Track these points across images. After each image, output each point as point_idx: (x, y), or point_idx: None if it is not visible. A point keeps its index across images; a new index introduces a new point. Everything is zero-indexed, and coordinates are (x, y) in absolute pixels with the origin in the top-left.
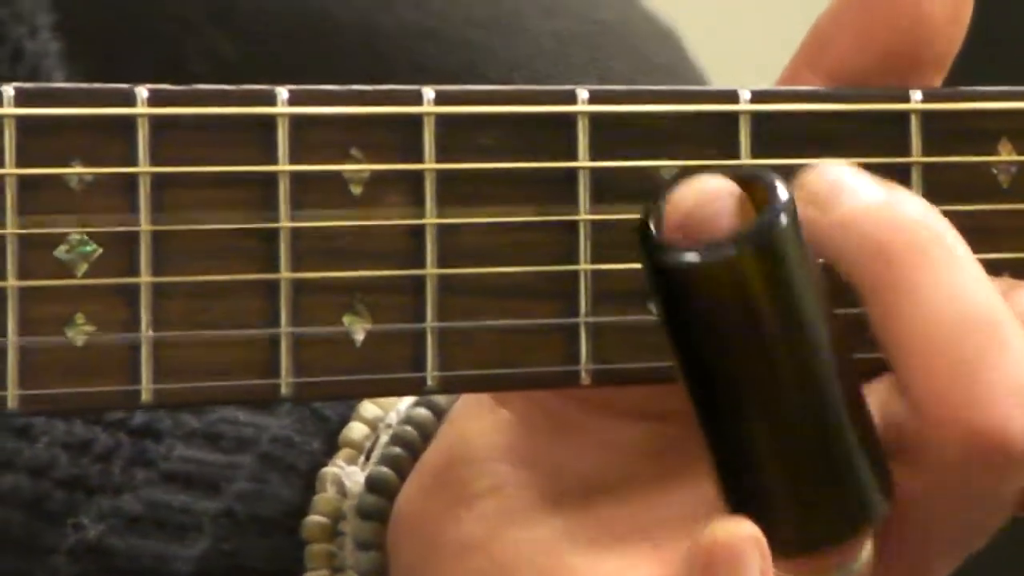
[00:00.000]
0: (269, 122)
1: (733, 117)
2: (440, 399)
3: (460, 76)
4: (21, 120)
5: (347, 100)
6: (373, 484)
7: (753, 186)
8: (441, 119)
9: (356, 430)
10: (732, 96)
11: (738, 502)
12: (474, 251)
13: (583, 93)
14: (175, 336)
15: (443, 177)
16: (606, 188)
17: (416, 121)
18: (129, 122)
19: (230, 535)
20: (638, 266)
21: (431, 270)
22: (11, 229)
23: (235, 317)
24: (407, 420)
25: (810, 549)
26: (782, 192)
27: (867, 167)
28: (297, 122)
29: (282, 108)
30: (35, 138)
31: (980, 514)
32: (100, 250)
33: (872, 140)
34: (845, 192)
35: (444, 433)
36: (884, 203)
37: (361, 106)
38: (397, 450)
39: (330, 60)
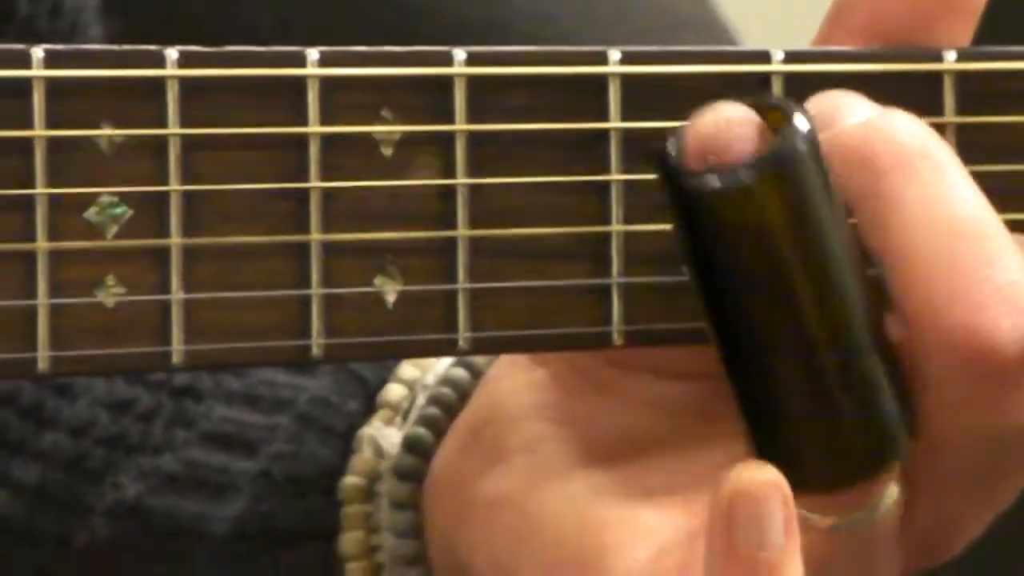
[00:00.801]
0: (299, 84)
1: (765, 78)
2: (478, 360)
3: (484, 32)
4: (50, 82)
5: (378, 61)
6: (410, 444)
7: (773, 114)
8: (472, 80)
9: (394, 391)
10: (765, 57)
11: (763, 440)
12: (505, 212)
13: (615, 54)
14: (206, 298)
15: (474, 138)
16: (638, 149)
17: (447, 82)
18: (159, 84)
19: (267, 495)
20: (670, 227)
21: (462, 231)
22: (41, 191)
23: (266, 279)
24: (444, 381)
25: (836, 485)
26: (800, 118)
27: None
28: (328, 84)
29: (312, 70)
30: (64, 100)
31: (995, 444)
32: (130, 212)
33: (906, 100)
34: (841, 111)
35: (480, 393)
36: (874, 119)
37: (392, 67)
38: (434, 411)
39: (355, 16)
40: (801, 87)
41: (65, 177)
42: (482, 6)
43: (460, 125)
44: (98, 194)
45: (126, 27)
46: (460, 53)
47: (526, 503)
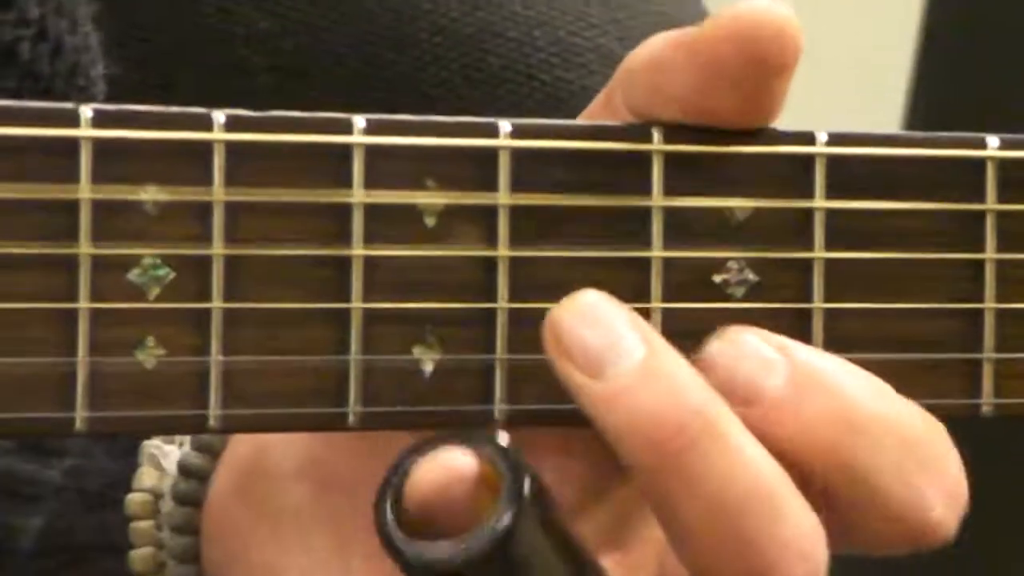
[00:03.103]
0: (345, 151)
1: (808, 159)
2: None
3: (478, 35)
4: (97, 142)
5: (423, 131)
6: (185, 469)
7: (493, 467)
8: (516, 152)
9: (135, 501)
10: (808, 138)
11: None
12: (547, 285)
13: (658, 132)
14: (245, 362)
15: (517, 210)
16: (679, 226)
17: (491, 153)
18: (205, 147)
19: (63, 511)
20: (708, 305)
21: (503, 304)
22: (85, 250)
23: (305, 345)
24: (181, 468)
25: None
26: (511, 494)
27: (941, 213)
28: (373, 152)
29: (358, 138)
30: (111, 160)
31: None
32: (173, 274)
33: (947, 186)
34: (606, 355)
35: None
36: (646, 375)
37: (437, 137)
38: (208, 437)
39: (351, 22)
40: (846, 169)
41: (109, 237)
42: (477, 10)
43: (504, 197)
44: (141, 255)
45: (133, 59)
46: (506, 125)
47: (287, 572)
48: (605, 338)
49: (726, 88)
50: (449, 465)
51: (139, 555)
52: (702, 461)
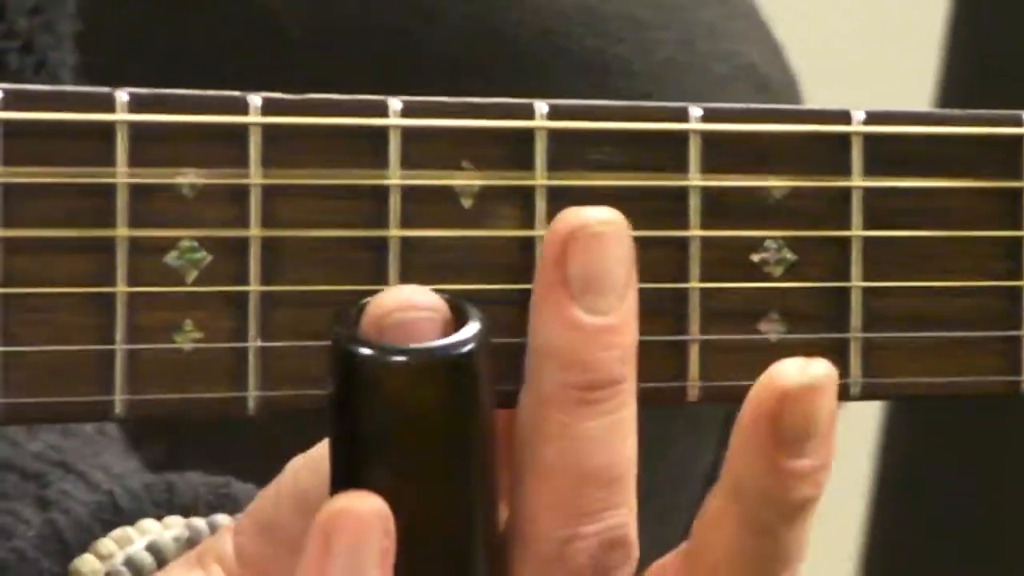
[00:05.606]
0: (381, 133)
1: (845, 138)
2: (168, 548)
3: (506, 3)
4: (133, 126)
5: (459, 112)
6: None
7: (459, 313)
8: (553, 133)
9: (87, 563)
10: (845, 117)
11: None
12: None
13: (696, 111)
14: (282, 346)
15: (554, 191)
16: (717, 206)
17: (528, 135)
18: (241, 130)
19: None
20: (747, 285)
21: None
22: (122, 233)
23: None
24: (127, 562)
25: None
26: (473, 325)
27: (979, 191)
28: (409, 134)
29: (395, 120)
30: (148, 144)
31: None
32: (210, 257)
33: (984, 163)
34: (602, 286)
35: None
36: (614, 327)
37: (473, 119)
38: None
39: (366, 16)
40: (883, 148)
41: (146, 221)
42: (491, 8)
43: (540, 178)
44: (179, 238)
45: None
46: (542, 106)
47: None
48: (610, 272)
49: None
50: (410, 294)
51: None
52: (598, 419)
